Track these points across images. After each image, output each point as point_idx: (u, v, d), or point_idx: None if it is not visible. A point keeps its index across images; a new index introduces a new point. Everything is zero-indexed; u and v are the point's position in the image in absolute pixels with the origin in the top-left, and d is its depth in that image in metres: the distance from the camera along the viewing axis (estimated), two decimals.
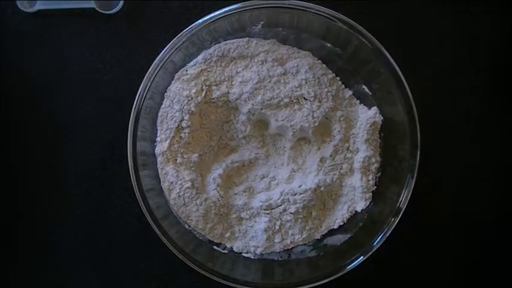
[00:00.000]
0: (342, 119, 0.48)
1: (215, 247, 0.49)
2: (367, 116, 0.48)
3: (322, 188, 0.48)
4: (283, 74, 0.48)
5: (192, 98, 0.48)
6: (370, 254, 0.46)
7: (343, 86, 0.49)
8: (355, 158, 0.48)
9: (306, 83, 0.48)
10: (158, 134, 0.48)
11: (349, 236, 0.48)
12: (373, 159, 0.48)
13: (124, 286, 0.51)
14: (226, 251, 0.49)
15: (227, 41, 0.48)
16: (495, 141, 0.51)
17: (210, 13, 0.46)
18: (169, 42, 0.46)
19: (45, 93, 0.51)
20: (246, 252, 0.49)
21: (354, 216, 0.48)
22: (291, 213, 0.47)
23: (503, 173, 0.51)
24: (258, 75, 0.48)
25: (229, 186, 0.50)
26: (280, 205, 0.48)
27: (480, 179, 0.51)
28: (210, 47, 0.48)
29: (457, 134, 0.51)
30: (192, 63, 0.48)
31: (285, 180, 0.49)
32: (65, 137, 0.51)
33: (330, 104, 0.48)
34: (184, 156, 0.48)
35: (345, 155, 0.48)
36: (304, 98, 0.48)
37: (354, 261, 0.46)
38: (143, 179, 0.47)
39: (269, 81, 0.48)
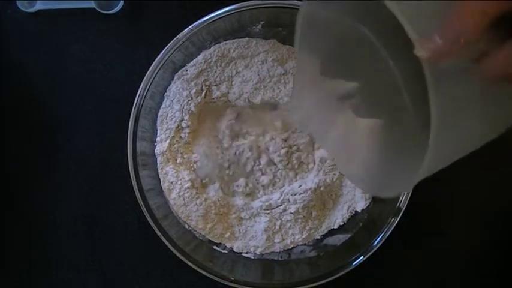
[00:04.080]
0: None
1: (215, 247, 0.49)
2: None
3: (322, 188, 0.48)
4: (283, 74, 0.48)
5: (192, 98, 0.48)
6: (370, 254, 0.46)
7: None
8: None
9: None
10: (158, 134, 0.48)
11: (349, 236, 0.48)
12: None
13: (124, 286, 0.51)
14: (226, 251, 0.49)
15: (227, 41, 0.48)
16: (498, 139, 0.51)
17: (209, 13, 0.46)
18: (169, 42, 0.46)
19: (45, 93, 0.51)
20: (246, 252, 0.49)
21: (354, 216, 0.48)
22: (291, 213, 0.47)
23: (506, 172, 0.51)
24: (258, 75, 0.48)
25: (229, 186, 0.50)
26: (280, 205, 0.48)
27: (482, 178, 0.50)
28: (210, 47, 0.48)
29: None
30: (192, 63, 0.48)
31: None
32: (65, 136, 0.51)
33: None
34: (184, 156, 0.48)
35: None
36: None
37: (354, 261, 0.46)
38: (143, 179, 0.47)
39: (269, 81, 0.48)
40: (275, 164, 0.49)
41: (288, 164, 0.48)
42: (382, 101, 0.36)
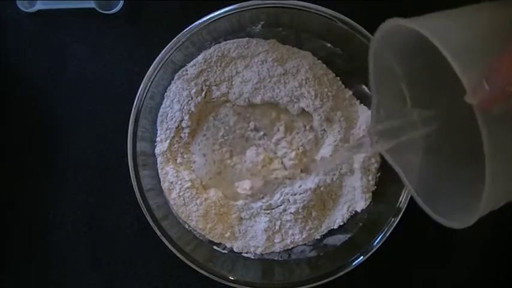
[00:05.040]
0: (342, 119, 0.48)
1: (215, 247, 0.49)
2: (367, 116, 0.48)
3: (322, 188, 0.48)
4: (283, 74, 0.48)
5: (192, 98, 0.48)
6: (370, 254, 0.46)
7: (343, 86, 0.49)
8: (355, 158, 0.48)
9: (306, 83, 0.47)
10: (158, 134, 0.48)
11: (349, 236, 0.48)
12: (373, 159, 0.48)
13: (124, 286, 0.51)
14: (226, 251, 0.49)
15: (227, 41, 0.48)
16: None
17: (210, 13, 0.46)
18: (169, 42, 0.46)
19: (45, 93, 0.51)
20: (246, 252, 0.49)
21: (354, 216, 0.48)
22: (291, 213, 0.47)
23: None
24: (258, 75, 0.48)
25: None
26: (280, 205, 0.48)
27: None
28: (210, 47, 0.48)
29: None
30: (192, 63, 0.48)
31: None
32: (65, 136, 0.51)
33: (330, 104, 0.48)
34: (184, 156, 0.48)
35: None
36: (304, 97, 0.48)
37: (354, 261, 0.46)
38: (143, 179, 0.47)
39: (269, 81, 0.48)
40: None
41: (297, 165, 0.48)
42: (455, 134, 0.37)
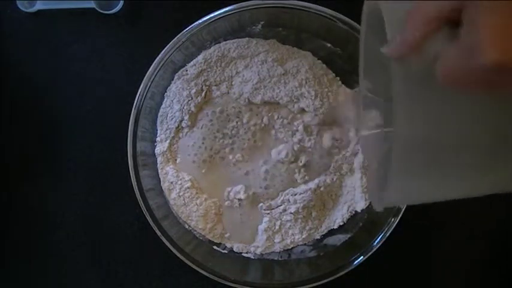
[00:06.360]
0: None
1: (215, 247, 0.49)
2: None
3: (322, 188, 0.48)
4: (283, 74, 0.48)
5: (192, 98, 0.48)
6: (370, 254, 0.46)
7: (343, 86, 0.49)
8: (355, 158, 0.48)
9: (306, 83, 0.47)
10: (158, 134, 0.48)
11: (349, 236, 0.48)
12: None
13: (124, 286, 0.51)
14: (226, 251, 0.49)
15: (227, 41, 0.48)
16: None
17: (210, 13, 0.46)
18: (169, 42, 0.46)
19: (45, 93, 0.51)
20: (246, 252, 0.49)
21: (354, 216, 0.48)
22: (291, 213, 0.47)
23: None
24: (258, 75, 0.48)
25: None
26: (280, 205, 0.48)
27: None
28: (210, 47, 0.48)
29: None
30: (192, 63, 0.48)
31: None
32: (65, 136, 0.51)
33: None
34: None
35: (345, 155, 0.48)
36: (304, 97, 0.48)
37: (354, 261, 0.46)
38: (143, 179, 0.47)
39: (269, 81, 0.48)
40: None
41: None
42: None
